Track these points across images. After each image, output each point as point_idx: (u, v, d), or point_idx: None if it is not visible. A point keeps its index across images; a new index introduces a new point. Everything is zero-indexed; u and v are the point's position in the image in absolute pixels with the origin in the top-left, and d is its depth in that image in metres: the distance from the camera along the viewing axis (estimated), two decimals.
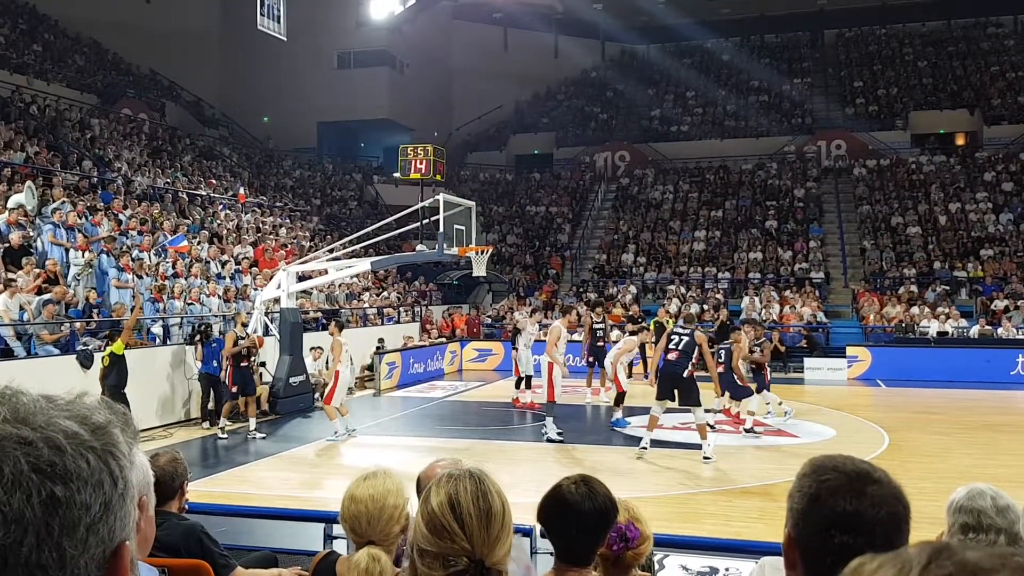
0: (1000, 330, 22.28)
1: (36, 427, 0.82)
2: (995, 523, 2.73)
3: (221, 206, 24.07)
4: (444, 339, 24.60)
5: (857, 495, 1.54)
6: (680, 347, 11.45)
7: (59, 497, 0.79)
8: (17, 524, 0.77)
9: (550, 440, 12.74)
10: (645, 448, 11.58)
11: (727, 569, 5.86)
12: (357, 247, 19.41)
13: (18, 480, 0.78)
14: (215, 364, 14.90)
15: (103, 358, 12.82)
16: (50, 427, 0.82)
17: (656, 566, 4.75)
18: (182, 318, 16.48)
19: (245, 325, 14.94)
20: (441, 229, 15.78)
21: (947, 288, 25.36)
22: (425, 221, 17.29)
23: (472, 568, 1.77)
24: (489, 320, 27.08)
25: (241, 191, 25.41)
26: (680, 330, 11.75)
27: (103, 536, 0.83)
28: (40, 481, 0.79)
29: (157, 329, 16.11)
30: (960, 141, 35.49)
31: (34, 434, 0.81)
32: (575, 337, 23.83)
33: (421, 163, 27.56)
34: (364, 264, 17.67)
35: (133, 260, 16.69)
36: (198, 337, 15.10)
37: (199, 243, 20.05)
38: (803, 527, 1.56)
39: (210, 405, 14.91)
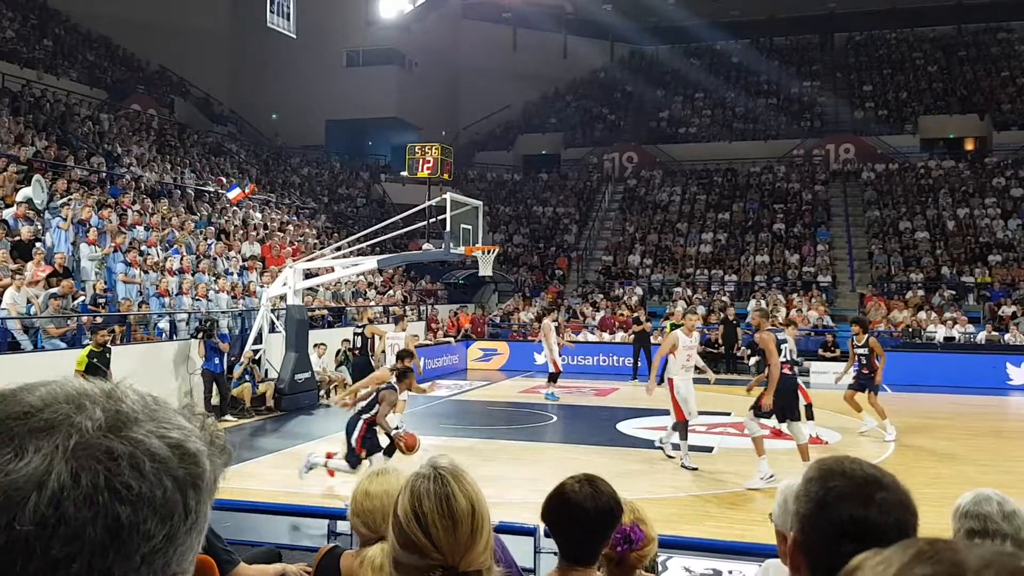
0: (1008, 336, 22.21)
1: (127, 441, 0.77)
2: (1001, 528, 2.71)
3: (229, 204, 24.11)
4: (451, 339, 24.62)
5: (866, 502, 1.51)
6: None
7: (123, 522, 0.75)
8: (76, 540, 0.73)
9: (684, 467, 10.95)
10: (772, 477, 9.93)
11: (730, 571, 5.85)
12: (364, 245, 19.43)
13: (91, 496, 0.74)
14: (217, 361, 14.93)
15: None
16: (139, 446, 0.78)
17: (660, 567, 4.74)
18: (189, 314, 16.54)
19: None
20: (448, 228, 15.78)
21: (955, 293, 25.28)
22: (432, 220, 17.35)
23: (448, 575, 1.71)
24: (496, 320, 27.12)
25: (250, 185, 25.42)
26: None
27: (156, 568, 0.78)
28: (110, 501, 0.74)
29: (164, 324, 16.16)
30: (969, 146, 35.40)
31: (123, 448, 0.77)
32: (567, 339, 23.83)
33: (428, 162, 27.59)
34: (371, 262, 17.69)
35: (140, 255, 16.75)
36: (201, 334, 15.13)
37: (206, 239, 20.10)
38: (809, 533, 1.54)
39: (214, 400, 14.95)
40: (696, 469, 10.83)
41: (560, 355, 19.07)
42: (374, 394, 9.39)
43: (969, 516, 2.77)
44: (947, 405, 17.50)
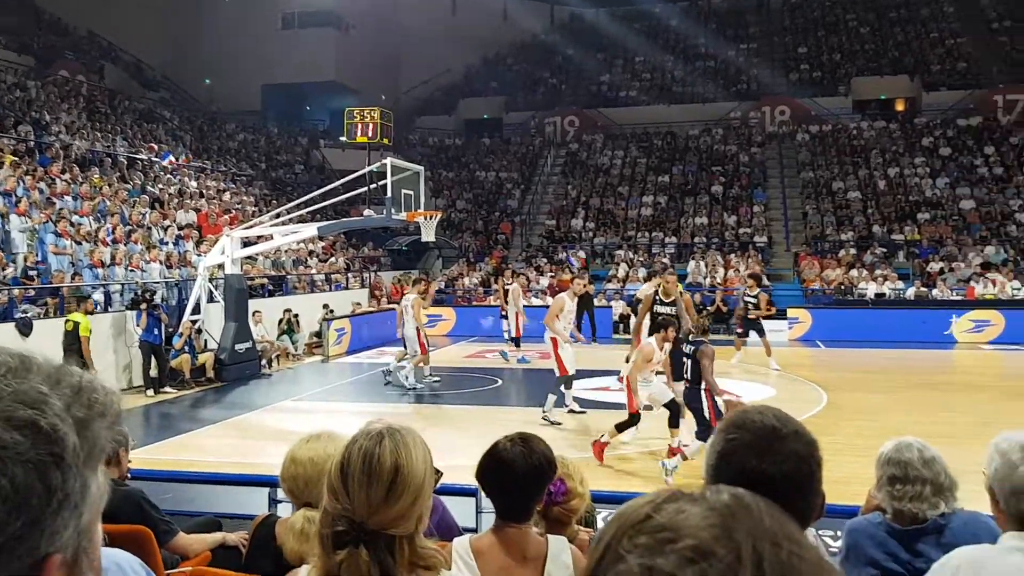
0: (935, 291, 22.93)
1: None
2: (921, 474, 2.84)
3: (164, 172, 23.54)
4: (395, 304, 24.48)
5: (760, 453, 1.56)
6: None
7: None
8: None
9: (572, 411, 11.98)
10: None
11: None
12: (303, 212, 19.19)
13: None
14: (156, 332, 14.68)
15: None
16: None
17: (598, 522, 4.85)
18: (123, 285, 16.19)
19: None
20: (389, 194, 15.64)
21: (885, 251, 25.96)
22: (373, 186, 17.16)
23: (353, 530, 1.69)
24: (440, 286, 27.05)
25: (169, 158, 24.60)
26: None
27: (20, 554, 0.72)
28: None
29: (98, 296, 15.81)
30: (900, 107, 36.13)
31: None
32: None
33: (368, 127, 27.23)
34: (311, 229, 17.51)
35: (71, 226, 16.32)
36: (144, 305, 14.82)
37: (138, 208, 19.65)
38: (715, 484, 1.60)
39: (152, 372, 14.71)
40: (584, 413, 12.00)
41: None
42: (690, 362, 8.59)
43: (891, 463, 2.90)
44: (878, 359, 18.03)
